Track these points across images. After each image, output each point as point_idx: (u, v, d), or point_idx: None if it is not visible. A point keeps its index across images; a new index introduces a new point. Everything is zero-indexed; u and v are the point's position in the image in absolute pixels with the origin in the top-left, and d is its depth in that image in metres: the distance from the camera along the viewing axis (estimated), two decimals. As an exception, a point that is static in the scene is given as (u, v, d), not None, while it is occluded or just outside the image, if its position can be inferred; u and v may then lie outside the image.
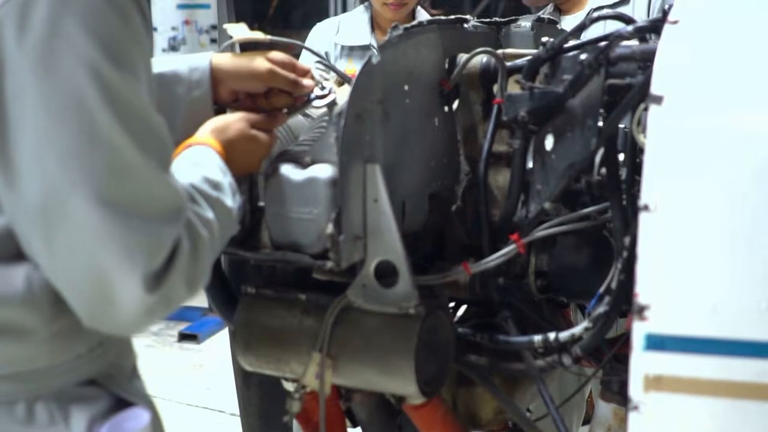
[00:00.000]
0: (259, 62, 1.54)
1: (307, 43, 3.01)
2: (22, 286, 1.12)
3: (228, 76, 1.53)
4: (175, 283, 1.10)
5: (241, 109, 1.54)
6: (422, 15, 2.98)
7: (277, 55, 1.57)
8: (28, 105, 1.02)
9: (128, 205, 1.05)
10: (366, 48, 2.86)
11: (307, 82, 1.57)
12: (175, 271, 1.09)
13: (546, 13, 2.88)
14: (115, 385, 1.24)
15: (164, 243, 1.08)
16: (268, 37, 1.67)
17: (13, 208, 1.07)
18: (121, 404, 1.24)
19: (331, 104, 1.58)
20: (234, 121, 1.46)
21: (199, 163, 1.31)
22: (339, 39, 3.00)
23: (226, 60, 1.54)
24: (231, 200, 1.29)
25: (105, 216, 1.04)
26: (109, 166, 1.04)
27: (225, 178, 1.31)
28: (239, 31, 1.67)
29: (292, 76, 1.56)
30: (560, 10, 2.90)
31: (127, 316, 1.08)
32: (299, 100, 1.59)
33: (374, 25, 3.02)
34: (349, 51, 2.97)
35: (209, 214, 1.20)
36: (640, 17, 2.34)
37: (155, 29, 7.26)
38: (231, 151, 1.40)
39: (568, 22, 2.78)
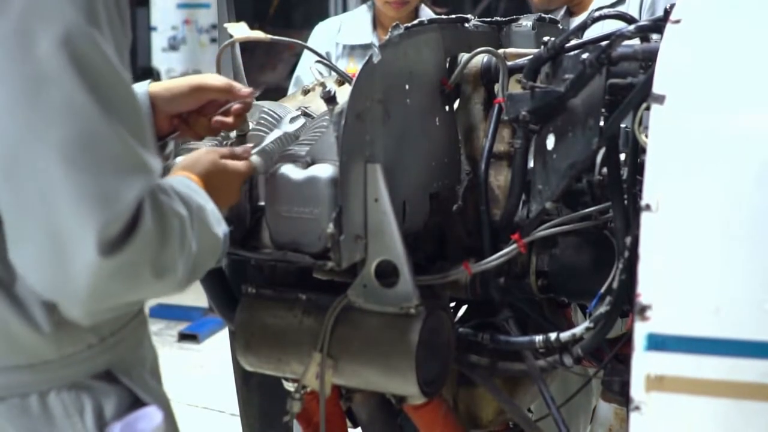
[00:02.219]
0: (189, 77, 1.51)
1: (309, 43, 3.01)
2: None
3: (162, 101, 1.48)
4: (135, 258, 1.03)
5: (185, 137, 1.51)
6: (426, 13, 2.98)
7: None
8: None
9: (84, 156, 1.01)
10: (368, 47, 2.85)
11: (239, 86, 1.53)
12: (135, 242, 1.02)
13: (559, 16, 2.87)
14: (131, 380, 1.24)
15: (121, 200, 1.02)
16: (269, 36, 1.67)
17: None
18: (136, 401, 1.24)
19: (332, 102, 1.58)
20: (202, 154, 1.41)
21: (180, 188, 1.21)
22: (341, 38, 3.00)
23: (158, 86, 1.50)
24: (215, 226, 1.23)
25: (59, 167, 1.00)
26: (63, 116, 1.01)
27: (207, 204, 1.25)
28: (240, 31, 1.67)
29: (223, 79, 1.53)
30: (571, 12, 2.89)
31: (82, 281, 1.02)
32: (238, 117, 1.55)
33: (377, 24, 3.02)
34: (351, 50, 2.97)
35: (182, 211, 1.13)
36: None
37: (155, 29, 7.27)
38: (207, 183, 1.33)
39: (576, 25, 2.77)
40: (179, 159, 1.45)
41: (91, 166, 1.01)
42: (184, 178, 1.30)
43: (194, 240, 1.15)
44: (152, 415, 1.23)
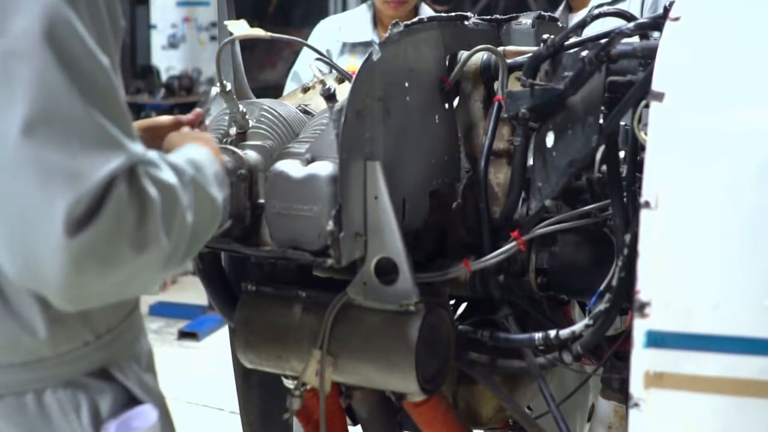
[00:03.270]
0: (138, 122, 1.51)
1: (309, 41, 3.02)
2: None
3: None
4: (105, 235, 0.99)
5: None
6: (426, 11, 2.98)
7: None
8: None
9: (50, 132, 0.98)
10: (368, 44, 2.86)
11: (186, 117, 1.56)
12: (102, 219, 0.98)
13: (558, 12, 2.87)
14: (126, 377, 1.23)
15: (88, 177, 0.98)
16: (269, 34, 1.67)
17: None
18: (131, 399, 1.23)
19: (332, 100, 1.58)
20: (182, 135, 1.43)
21: (174, 158, 1.19)
22: (341, 36, 3.01)
23: None
24: (215, 191, 1.21)
25: (24, 143, 0.97)
26: (31, 91, 0.98)
27: (211, 166, 1.24)
28: (239, 29, 1.67)
29: (170, 117, 1.56)
30: (570, 8, 2.89)
31: (52, 263, 0.98)
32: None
33: (377, 22, 3.03)
34: (352, 48, 2.99)
35: (171, 181, 1.09)
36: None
37: (155, 26, 7.27)
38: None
39: (576, 21, 2.77)
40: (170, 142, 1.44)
41: (57, 143, 0.98)
42: (189, 145, 1.30)
43: (189, 209, 1.11)
44: (147, 413, 1.23)
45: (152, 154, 1.09)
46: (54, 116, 0.99)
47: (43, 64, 0.99)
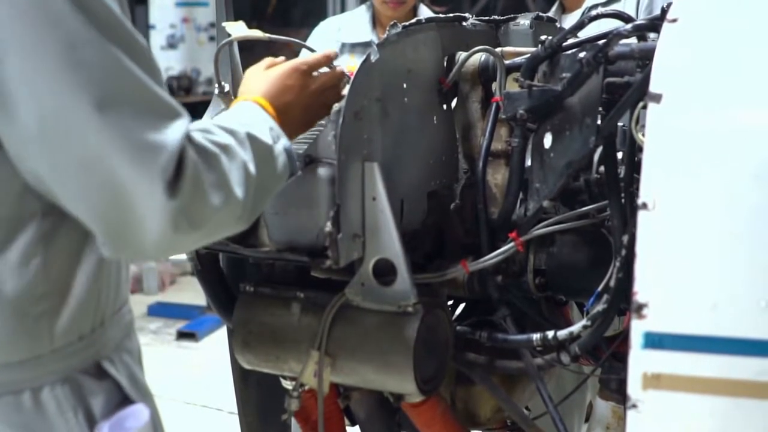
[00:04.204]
0: None
1: (309, 42, 3.02)
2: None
3: None
4: (189, 192, 1.07)
5: None
6: (424, 12, 2.99)
7: None
8: (6, 30, 1.01)
9: (123, 108, 1.04)
10: (367, 45, 2.87)
11: None
12: (186, 177, 1.06)
13: (551, 11, 2.88)
14: (118, 371, 1.24)
15: (169, 143, 1.06)
16: (267, 35, 1.67)
17: (16, 144, 1.06)
18: (123, 399, 1.23)
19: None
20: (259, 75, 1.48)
21: (222, 122, 1.26)
22: (341, 36, 3.02)
23: None
24: (271, 140, 1.28)
25: (104, 123, 1.02)
26: (97, 74, 1.03)
27: (264, 122, 1.31)
28: (237, 30, 1.67)
29: None
30: (564, 8, 2.90)
31: (152, 227, 1.05)
32: None
33: (376, 22, 3.04)
34: (351, 48, 3.00)
35: (225, 139, 1.17)
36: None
37: (153, 27, 7.27)
38: (275, 100, 1.41)
39: (569, 21, 2.78)
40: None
41: (133, 118, 1.04)
42: (240, 104, 1.38)
43: (251, 162, 1.19)
44: (140, 412, 1.23)
45: (202, 122, 1.19)
46: (123, 93, 1.05)
47: (101, 45, 1.04)
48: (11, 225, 1.11)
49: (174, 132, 1.07)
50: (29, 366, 1.16)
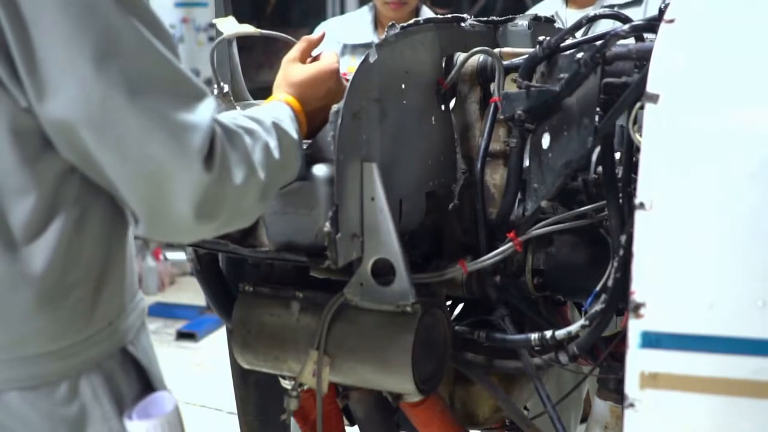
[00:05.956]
0: None
1: None
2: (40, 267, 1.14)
3: None
4: (220, 170, 1.12)
5: None
6: (426, 14, 2.99)
7: None
8: (47, 18, 1.05)
9: (158, 91, 1.09)
10: (369, 46, 2.86)
11: None
12: (217, 155, 1.12)
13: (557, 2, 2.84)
14: (142, 357, 1.27)
15: (201, 122, 1.11)
16: (258, 30, 1.66)
17: (55, 128, 1.09)
18: (146, 386, 1.27)
19: None
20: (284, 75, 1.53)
21: (249, 113, 1.32)
22: (342, 38, 3.02)
23: None
24: (295, 134, 1.34)
25: (144, 108, 1.07)
26: (136, 60, 1.08)
27: (293, 122, 1.37)
28: (228, 26, 1.66)
29: None
30: (566, 1, 2.87)
31: (192, 201, 1.10)
32: None
33: (377, 24, 3.04)
34: (353, 49, 3.00)
35: (251, 125, 1.23)
36: None
37: (153, 28, 7.27)
38: (302, 97, 1.47)
39: (574, 16, 2.75)
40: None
41: (167, 101, 1.09)
42: (270, 104, 1.43)
43: (276, 149, 1.26)
44: (165, 400, 1.25)
45: (230, 111, 1.28)
46: (158, 77, 1.10)
47: (138, 33, 1.09)
48: (47, 210, 1.14)
49: (205, 111, 1.13)
50: (65, 354, 1.19)
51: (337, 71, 1.53)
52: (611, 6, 2.69)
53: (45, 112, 1.07)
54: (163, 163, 1.08)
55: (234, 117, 1.23)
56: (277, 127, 1.29)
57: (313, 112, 1.47)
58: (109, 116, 1.06)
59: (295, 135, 1.34)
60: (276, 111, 1.38)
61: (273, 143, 1.26)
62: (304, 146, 1.44)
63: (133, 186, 1.10)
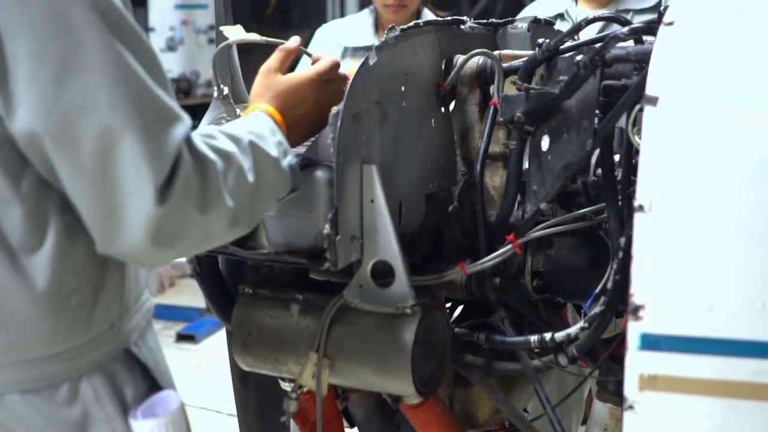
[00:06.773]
0: None
1: (311, 45, 3.04)
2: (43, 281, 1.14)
3: None
4: (179, 198, 1.08)
5: None
6: (428, 16, 2.99)
7: None
8: (17, 30, 1.04)
9: (124, 114, 1.06)
10: (370, 49, 2.86)
11: None
12: (178, 183, 1.08)
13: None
14: (146, 357, 1.27)
15: (167, 149, 1.08)
16: (264, 38, 1.67)
17: (21, 139, 1.08)
18: (152, 386, 1.27)
19: None
20: (262, 83, 1.48)
21: (229, 129, 1.28)
22: (343, 40, 3.02)
23: None
24: (277, 153, 1.29)
25: (102, 128, 1.05)
26: (102, 79, 1.06)
27: (273, 135, 1.32)
28: (235, 33, 1.67)
29: None
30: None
31: (137, 233, 1.07)
32: None
33: (378, 27, 3.04)
34: (353, 52, 3.00)
35: (229, 148, 1.18)
36: None
37: (153, 29, 7.27)
38: (282, 107, 1.42)
39: (584, 15, 2.71)
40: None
41: (142, 123, 1.07)
42: (253, 114, 1.39)
43: (250, 171, 1.20)
44: (170, 399, 1.25)
45: (209, 128, 1.21)
46: (134, 97, 1.08)
47: (111, 48, 1.07)
48: (35, 219, 1.14)
49: (172, 137, 1.09)
50: (67, 357, 1.19)
51: (312, 80, 1.49)
52: (626, 10, 2.68)
53: (12, 124, 1.08)
54: (117, 187, 1.07)
55: (213, 136, 1.18)
56: (254, 146, 1.24)
57: (293, 121, 1.44)
58: (67, 132, 1.06)
59: (274, 152, 1.28)
60: (256, 124, 1.34)
61: (248, 165, 1.21)
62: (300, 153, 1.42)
63: (89, 204, 1.09)
